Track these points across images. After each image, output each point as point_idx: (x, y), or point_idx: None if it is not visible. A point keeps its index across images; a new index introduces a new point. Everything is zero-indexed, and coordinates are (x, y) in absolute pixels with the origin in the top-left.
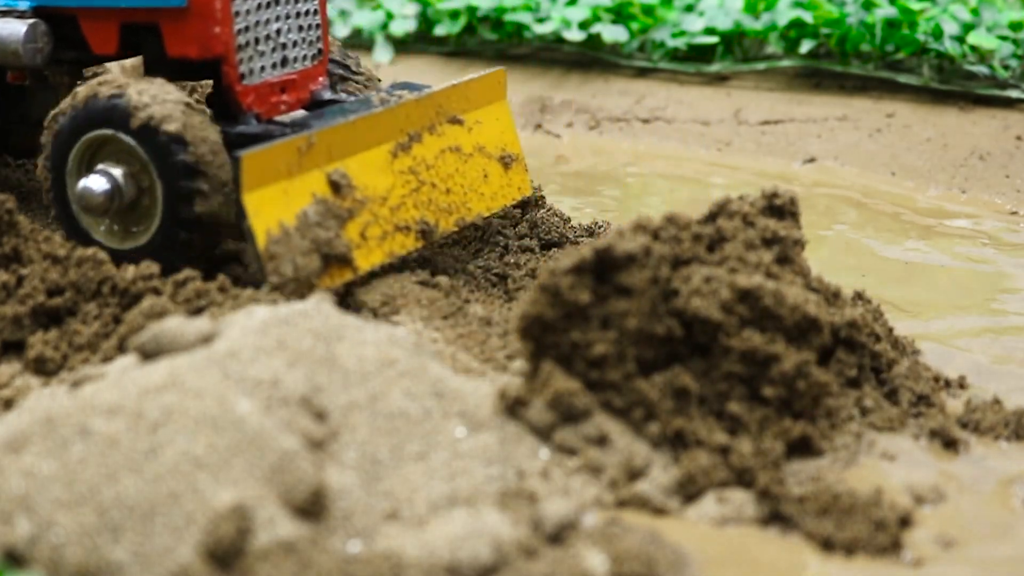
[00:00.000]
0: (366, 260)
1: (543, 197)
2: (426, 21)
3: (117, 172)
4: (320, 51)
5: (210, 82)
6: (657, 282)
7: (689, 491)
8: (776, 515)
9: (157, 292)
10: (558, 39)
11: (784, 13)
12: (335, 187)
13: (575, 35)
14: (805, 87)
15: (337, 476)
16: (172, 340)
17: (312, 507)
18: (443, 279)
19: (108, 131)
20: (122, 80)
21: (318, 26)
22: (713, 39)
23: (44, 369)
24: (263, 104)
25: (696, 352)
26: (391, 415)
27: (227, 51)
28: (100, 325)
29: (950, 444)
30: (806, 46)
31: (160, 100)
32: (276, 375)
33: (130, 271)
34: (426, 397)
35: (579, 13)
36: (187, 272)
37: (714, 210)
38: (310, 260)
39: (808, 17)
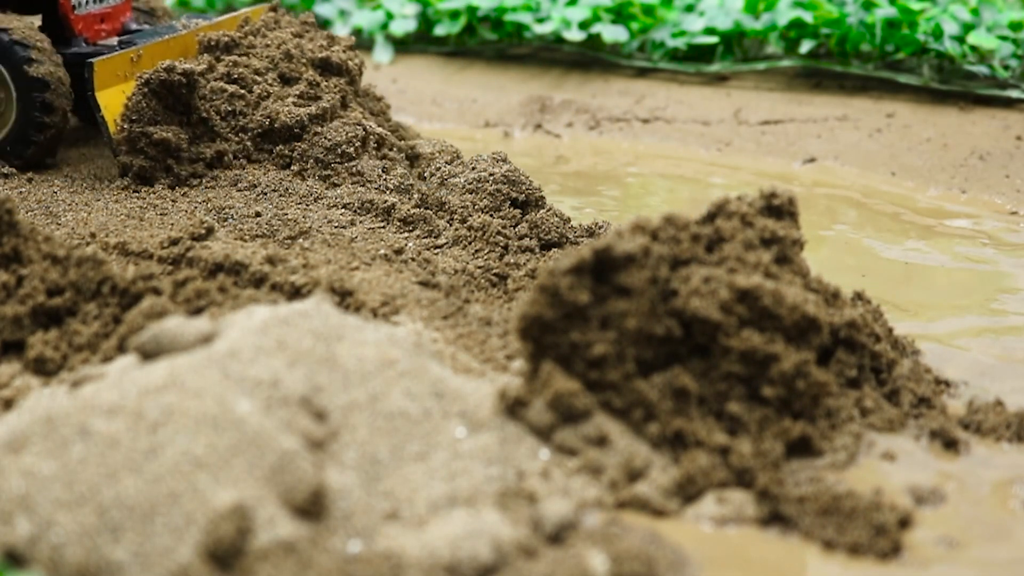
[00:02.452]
0: None
1: (543, 197)
2: (426, 21)
3: None
4: None
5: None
6: (656, 282)
7: (689, 492)
8: (776, 516)
9: (157, 292)
10: (558, 39)
11: (784, 13)
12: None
13: (575, 35)
14: (805, 87)
15: (337, 476)
16: (172, 340)
17: (312, 507)
18: (443, 279)
19: None
20: None
21: None
22: (713, 39)
23: (44, 369)
24: (89, 31)
25: (695, 352)
26: (391, 415)
27: None
28: (100, 325)
29: (950, 445)
30: (806, 46)
31: (16, 26)
32: (276, 375)
33: (130, 271)
34: (426, 397)
35: (579, 13)
36: (187, 272)
37: (713, 210)
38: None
39: (808, 17)
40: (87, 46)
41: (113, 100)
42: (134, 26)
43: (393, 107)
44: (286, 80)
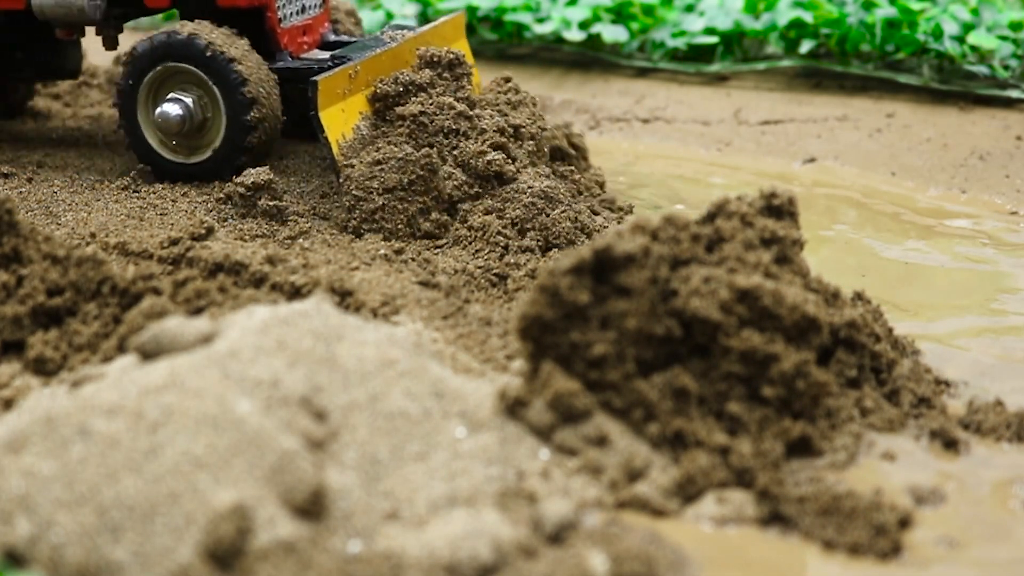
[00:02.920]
0: None
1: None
2: (426, 21)
3: (189, 100)
4: (324, 1)
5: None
6: (656, 282)
7: (689, 492)
8: (776, 515)
9: (157, 292)
10: (558, 39)
11: (784, 13)
12: (373, 107)
13: (575, 35)
14: (805, 87)
15: (337, 476)
16: (172, 340)
17: (312, 507)
18: (443, 279)
19: (183, 64)
20: (197, 26)
21: None
22: (713, 39)
23: (44, 369)
24: (293, 44)
25: (695, 352)
26: (391, 415)
27: (270, 1)
28: (100, 325)
29: (950, 445)
30: (806, 46)
31: (229, 40)
32: (276, 375)
33: (130, 271)
34: (426, 397)
35: (579, 13)
36: (187, 272)
37: (713, 210)
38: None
39: (808, 17)
40: (292, 60)
41: (334, 119)
42: (332, 37)
43: None
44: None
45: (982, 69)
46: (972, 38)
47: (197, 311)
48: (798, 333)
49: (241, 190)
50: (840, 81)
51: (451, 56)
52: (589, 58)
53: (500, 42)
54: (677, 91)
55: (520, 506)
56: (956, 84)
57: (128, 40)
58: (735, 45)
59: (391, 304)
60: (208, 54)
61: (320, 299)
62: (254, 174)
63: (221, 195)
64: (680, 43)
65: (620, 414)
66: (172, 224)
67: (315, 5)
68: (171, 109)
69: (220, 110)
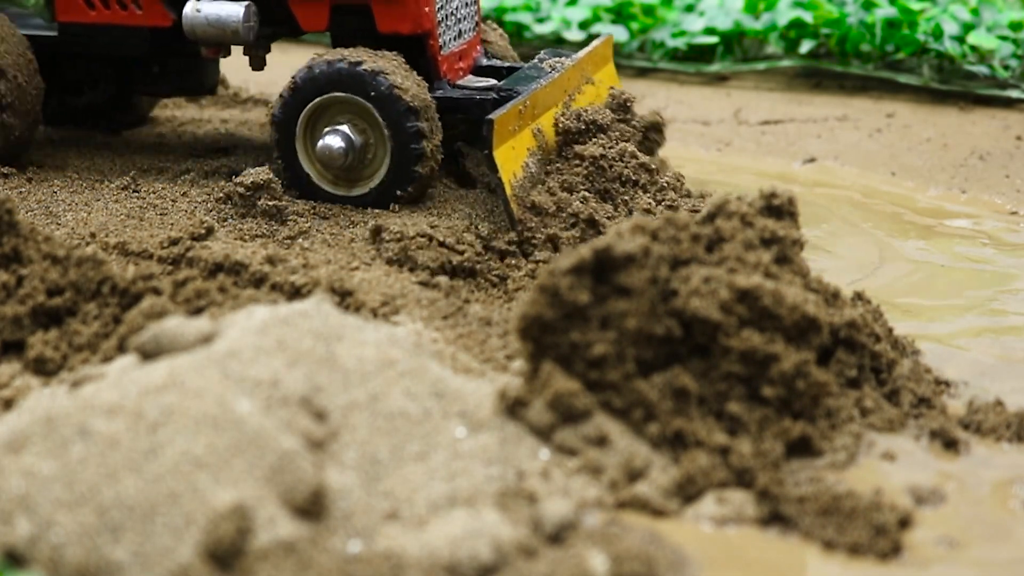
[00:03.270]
0: None
1: None
2: None
3: (352, 131)
4: (476, 23)
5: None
6: (656, 282)
7: (689, 492)
8: (776, 516)
9: (157, 292)
10: (558, 39)
11: (784, 13)
12: (538, 142)
13: (575, 35)
14: (805, 87)
15: (337, 476)
16: (172, 340)
17: (312, 507)
18: (443, 279)
19: (347, 95)
20: (358, 53)
21: (476, 1)
22: (713, 39)
23: (44, 369)
24: (451, 71)
25: (695, 352)
26: (391, 415)
27: (433, 26)
28: (100, 325)
29: (950, 445)
30: (806, 46)
31: (395, 69)
32: (276, 375)
33: (130, 271)
34: (426, 397)
35: (579, 13)
36: (187, 272)
37: (712, 210)
38: (540, 200)
39: (808, 17)
40: (450, 88)
41: (506, 158)
42: (484, 61)
43: None
44: None
45: (982, 69)
46: (972, 38)
47: (197, 311)
48: (798, 333)
49: (241, 190)
50: (840, 81)
51: (654, 118)
52: None
53: None
54: (677, 91)
55: (520, 506)
56: (956, 84)
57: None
58: (735, 45)
59: (391, 304)
60: (374, 84)
61: (320, 299)
62: (254, 174)
63: (221, 195)
64: (680, 43)
65: (620, 414)
66: (172, 224)
67: (470, 29)
68: (333, 141)
69: (384, 141)
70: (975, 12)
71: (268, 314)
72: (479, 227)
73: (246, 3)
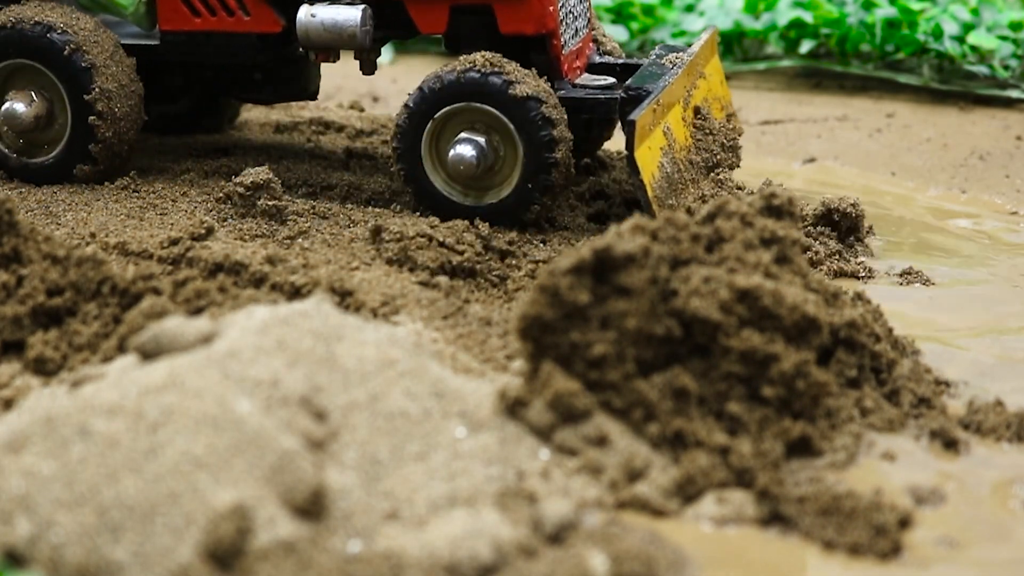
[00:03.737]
0: (688, 203)
1: None
2: None
3: (482, 140)
4: (589, 20)
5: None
6: (656, 282)
7: (689, 492)
8: (776, 516)
9: (157, 292)
10: None
11: (784, 13)
12: (667, 141)
13: None
14: (805, 87)
15: (337, 476)
16: (172, 340)
17: (312, 507)
18: (443, 279)
19: (477, 104)
20: (487, 58)
21: None
22: None
23: (44, 369)
24: (570, 70)
25: (695, 352)
26: (391, 415)
27: (556, 26)
28: (100, 325)
29: (951, 445)
30: (806, 46)
31: (525, 76)
32: (276, 375)
33: (130, 271)
34: (426, 397)
35: None
36: (187, 272)
37: (713, 210)
38: (671, 200)
39: (808, 17)
40: (572, 88)
41: (645, 158)
42: (597, 59)
43: (393, 107)
44: None
45: (982, 69)
46: (972, 38)
47: (197, 311)
48: (798, 333)
49: (241, 190)
50: (840, 81)
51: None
52: None
53: None
54: None
55: (520, 506)
56: (956, 84)
57: None
58: (735, 45)
59: (391, 304)
60: (505, 93)
61: (320, 299)
62: (253, 174)
63: (221, 195)
64: (680, 43)
65: (620, 414)
66: (172, 224)
67: (584, 27)
68: (465, 151)
69: (517, 150)
70: (975, 12)
71: (268, 314)
72: (479, 227)
73: (362, 6)
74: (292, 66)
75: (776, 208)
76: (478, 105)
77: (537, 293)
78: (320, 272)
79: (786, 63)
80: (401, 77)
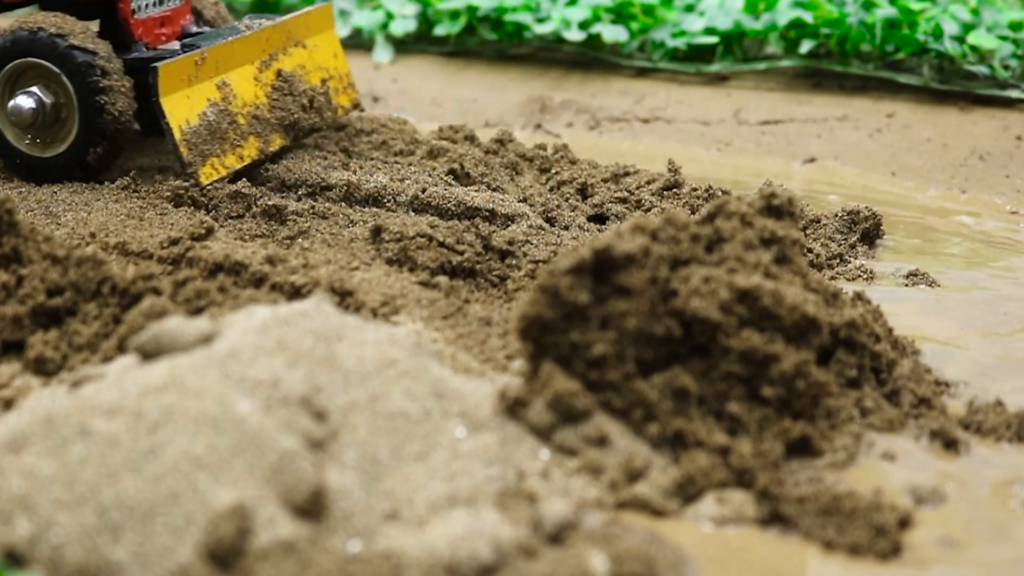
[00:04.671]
0: (248, 153)
1: None
2: (426, 21)
3: (41, 92)
4: None
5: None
6: (656, 282)
7: (689, 492)
8: (776, 516)
9: (157, 292)
10: (558, 39)
11: (784, 13)
12: (223, 94)
13: (575, 35)
14: (805, 87)
15: (337, 476)
16: (172, 340)
17: (312, 507)
18: (443, 279)
19: (33, 59)
20: (42, 17)
21: None
22: (713, 39)
23: (44, 369)
24: (149, 35)
25: (695, 352)
26: (391, 415)
27: None
28: (100, 325)
29: (951, 445)
30: (806, 46)
31: (74, 30)
32: (276, 375)
33: (130, 271)
34: (426, 397)
35: (579, 13)
36: (187, 272)
37: (712, 210)
38: (212, 148)
39: (808, 17)
40: (148, 51)
41: (177, 106)
42: (194, 28)
43: (393, 107)
44: None
45: (982, 69)
46: (972, 38)
47: (197, 311)
48: (798, 333)
49: (241, 190)
50: (840, 81)
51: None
52: (589, 58)
53: (500, 42)
54: (677, 91)
55: (520, 506)
56: (956, 84)
57: None
58: (735, 45)
59: (391, 304)
60: (54, 45)
61: (320, 299)
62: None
63: (221, 195)
64: (680, 43)
65: (620, 414)
66: (172, 224)
67: None
68: (24, 102)
69: (72, 99)
70: (975, 12)
71: (268, 314)
72: (479, 227)
73: None
74: None
75: (776, 208)
76: (34, 60)
77: (537, 293)
78: (320, 272)
79: (786, 63)
80: (401, 77)
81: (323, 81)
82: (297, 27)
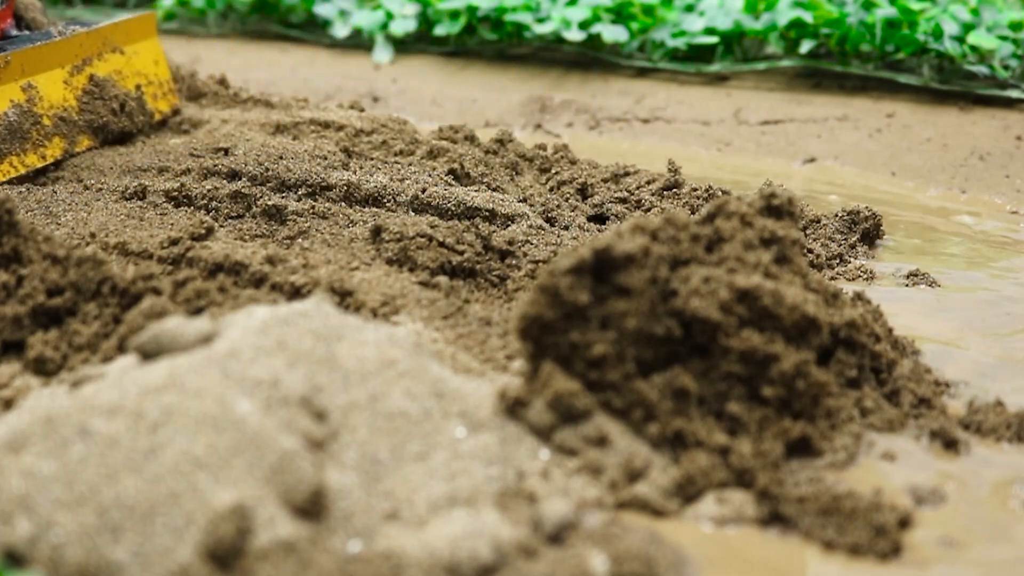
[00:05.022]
0: (51, 153)
1: None
2: (426, 21)
3: None
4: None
5: None
6: (656, 282)
7: (689, 492)
8: (776, 516)
9: (157, 292)
10: (558, 39)
11: (784, 13)
12: (27, 96)
13: (575, 35)
14: (805, 87)
15: (337, 476)
16: (172, 340)
17: (312, 507)
18: (443, 279)
19: None
20: None
21: None
22: (713, 39)
23: (44, 369)
24: None
25: (695, 352)
26: (391, 415)
27: None
28: (100, 325)
29: (950, 445)
30: (806, 46)
31: None
32: (276, 375)
33: (130, 271)
34: (426, 397)
35: (579, 13)
36: (187, 272)
37: (712, 210)
38: (12, 147)
39: (808, 17)
40: None
41: None
42: (14, 32)
43: (393, 107)
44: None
45: (982, 69)
46: (972, 38)
47: (197, 311)
48: (798, 333)
49: (241, 190)
50: (840, 81)
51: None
52: (589, 58)
53: (500, 42)
54: (677, 91)
55: (520, 506)
56: (956, 84)
57: None
58: (735, 45)
59: (391, 304)
60: None
61: (320, 299)
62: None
63: (221, 195)
64: (680, 43)
65: (620, 414)
66: (172, 224)
67: None
68: None
69: None
70: (975, 12)
71: (268, 314)
72: (479, 227)
73: None
74: None
75: (776, 208)
76: None
77: (537, 293)
78: (320, 272)
79: (786, 63)
80: (401, 77)
81: (138, 87)
82: (115, 34)
